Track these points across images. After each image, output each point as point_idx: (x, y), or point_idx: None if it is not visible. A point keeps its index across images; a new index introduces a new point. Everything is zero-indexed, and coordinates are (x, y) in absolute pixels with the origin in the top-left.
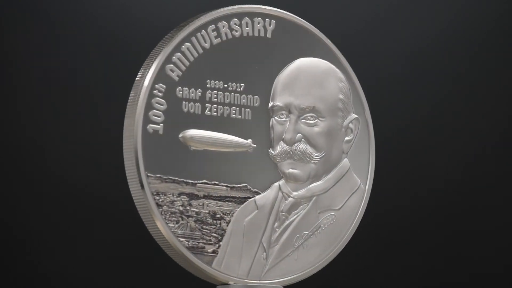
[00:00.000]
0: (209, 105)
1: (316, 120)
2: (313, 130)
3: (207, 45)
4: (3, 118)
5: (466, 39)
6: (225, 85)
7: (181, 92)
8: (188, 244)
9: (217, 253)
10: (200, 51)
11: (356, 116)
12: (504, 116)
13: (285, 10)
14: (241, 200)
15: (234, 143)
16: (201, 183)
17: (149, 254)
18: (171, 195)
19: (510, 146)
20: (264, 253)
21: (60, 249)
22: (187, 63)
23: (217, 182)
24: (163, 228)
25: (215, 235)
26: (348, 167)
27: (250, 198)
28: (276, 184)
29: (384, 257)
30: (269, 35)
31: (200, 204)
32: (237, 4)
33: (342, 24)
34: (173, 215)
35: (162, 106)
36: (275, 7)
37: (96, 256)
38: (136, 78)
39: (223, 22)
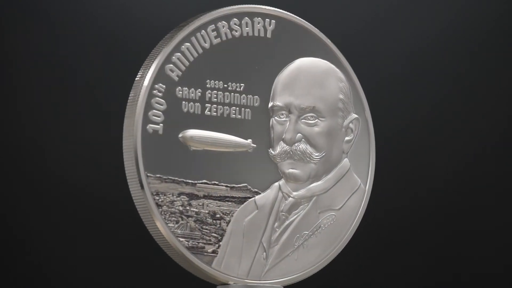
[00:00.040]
0: (209, 105)
1: (316, 120)
2: (313, 130)
3: (207, 45)
4: (3, 118)
5: (466, 39)
6: (225, 85)
7: (180, 92)
8: (188, 244)
9: (217, 253)
10: (200, 51)
11: (356, 116)
12: (504, 116)
13: (285, 10)
14: (241, 200)
15: (234, 143)
16: (201, 183)
17: (149, 254)
18: (171, 195)
19: (510, 146)
20: (264, 253)
21: (60, 249)
22: (187, 63)
23: (217, 182)
24: (163, 228)
25: (215, 235)
26: (348, 167)
27: (250, 198)
28: (276, 184)
29: (384, 257)
30: (269, 35)
31: (200, 204)
32: (237, 4)
33: (342, 24)
34: (173, 215)
35: (161, 106)
36: (275, 7)
37: (96, 256)
38: (136, 78)
39: (223, 22)
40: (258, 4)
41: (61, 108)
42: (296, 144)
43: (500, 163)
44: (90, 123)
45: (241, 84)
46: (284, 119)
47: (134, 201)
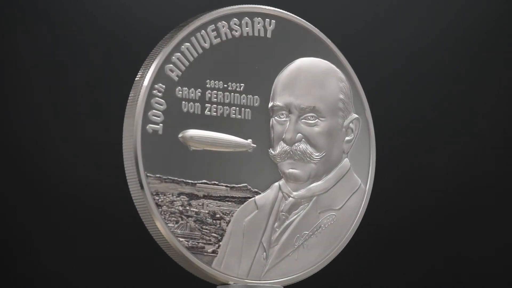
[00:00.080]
0: (209, 105)
1: (317, 120)
2: (313, 130)
3: (206, 45)
4: (3, 118)
5: (466, 39)
6: (225, 85)
7: (180, 92)
8: (188, 244)
9: (216, 253)
10: (200, 51)
11: (357, 116)
12: (504, 116)
13: (285, 10)
14: (241, 200)
15: (234, 143)
16: (201, 183)
17: (149, 254)
18: (170, 195)
19: (510, 146)
20: (264, 253)
21: (60, 249)
22: (187, 63)
23: (217, 182)
24: (162, 228)
25: (214, 235)
26: (348, 167)
27: (250, 198)
28: (276, 184)
29: (384, 257)
30: (269, 35)
31: (200, 204)
32: (237, 4)
33: (342, 24)
34: (173, 215)
35: (161, 106)
36: (275, 7)
37: (96, 256)
38: (136, 78)
39: (223, 22)
40: (258, 4)
41: (61, 108)
42: (296, 144)
43: (500, 163)
44: (90, 123)
45: (241, 84)
46: (284, 119)
47: (134, 201)
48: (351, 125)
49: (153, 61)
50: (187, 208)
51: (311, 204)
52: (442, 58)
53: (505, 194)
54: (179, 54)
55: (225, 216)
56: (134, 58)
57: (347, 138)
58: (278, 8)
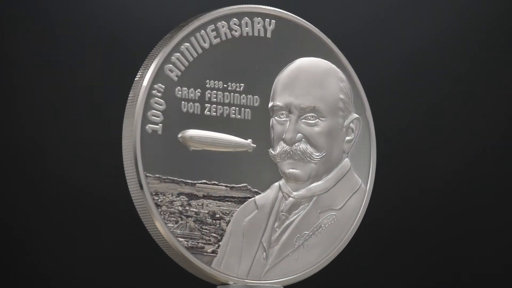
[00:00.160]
0: (209, 105)
1: (317, 120)
2: (313, 130)
3: (206, 45)
4: (3, 118)
5: (466, 39)
6: (225, 85)
7: (180, 92)
8: (188, 244)
9: (216, 253)
10: (200, 51)
11: (357, 115)
12: (504, 116)
13: (285, 10)
14: (241, 200)
15: (234, 143)
16: (201, 183)
17: (149, 254)
18: (170, 195)
19: (510, 146)
20: (264, 253)
21: (60, 249)
22: (186, 63)
23: (216, 182)
24: (162, 228)
25: (214, 235)
26: (349, 167)
27: (250, 198)
28: (276, 184)
29: (385, 257)
30: (269, 35)
31: (200, 204)
32: (237, 4)
33: (342, 24)
34: (172, 215)
35: (161, 106)
36: (275, 7)
37: (96, 256)
38: (135, 78)
39: (223, 22)
40: (258, 4)
41: (61, 108)
42: (296, 144)
43: (500, 163)
44: (90, 123)
45: (241, 84)
46: (284, 119)
47: (134, 201)
48: (351, 125)
49: (152, 61)
50: (187, 208)
51: (311, 204)
52: (442, 58)
53: (505, 194)
54: (178, 54)
55: (225, 216)
56: (134, 58)
57: (347, 138)
58: (278, 8)
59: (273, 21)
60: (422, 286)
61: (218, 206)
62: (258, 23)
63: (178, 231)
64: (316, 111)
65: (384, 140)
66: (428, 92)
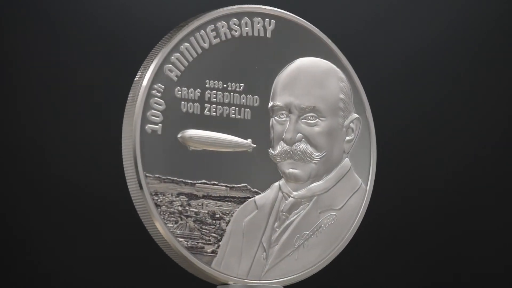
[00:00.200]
0: (208, 105)
1: (317, 120)
2: (313, 130)
3: (206, 45)
4: (3, 118)
5: (466, 39)
6: (225, 85)
7: (179, 92)
8: (187, 244)
9: (216, 253)
10: (199, 51)
11: (357, 115)
12: (504, 116)
13: (285, 10)
14: (241, 200)
15: (234, 143)
16: (200, 183)
17: (149, 254)
18: (170, 195)
19: (510, 146)
20: (264, 253)
21: (60, 249)
22: (186, 63)
23: (216, 182)
24: (162, 228)
25: (214, 235)
26: (349, 166)
27: (250, 198)
28: (276, 184)
29: (385, 257)
30: (269, 35)
31: (199, 204)
32: (237, 4)
33: (342, 24)
34: (172, 215)
35: (160, 106)
36: (275, 7)
37: (96, 256)
38: (135, 78)
39: (222, 22)
40: (258, 4)
41: (61, 108)
42: (296, 144)
43: (500, 163)
44: (89, 123)
45: (241, 84)
46: (284, 119)
47: (133, 201)
48: (351, 125)
49: (152, 61)
50: (187, 208)
51: (311, 204)
52: (442, 58)
53: (505, 194)
54: (178, 54)
55: (225, 216)
56: (134, 58)
57: (347, 138)
58: (278, 8)
59: (273, 21)
60: (422, 286)
61: (218, 206)
62: (258, 23)
63: (178, 231)
64: (316, 111)
65: (384, 140)
66: (428, 92)
